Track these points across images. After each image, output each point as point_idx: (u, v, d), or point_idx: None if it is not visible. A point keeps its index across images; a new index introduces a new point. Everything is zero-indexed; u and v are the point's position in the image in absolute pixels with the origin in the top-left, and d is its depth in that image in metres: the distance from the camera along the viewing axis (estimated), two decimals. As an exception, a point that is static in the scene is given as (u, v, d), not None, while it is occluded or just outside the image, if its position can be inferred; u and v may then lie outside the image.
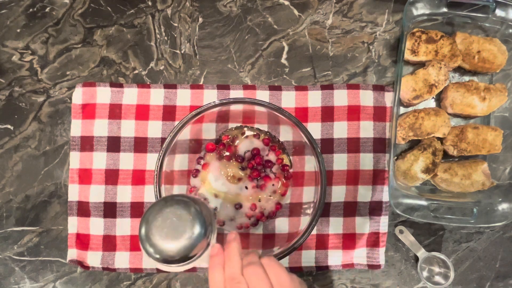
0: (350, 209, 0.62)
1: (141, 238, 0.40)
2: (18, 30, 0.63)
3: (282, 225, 0.62)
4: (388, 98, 0.62)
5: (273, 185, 0.61)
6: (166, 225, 0.39)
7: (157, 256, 0.39)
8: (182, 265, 0.40)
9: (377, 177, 0.62)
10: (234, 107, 0.58)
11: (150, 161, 0.61)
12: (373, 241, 0.61)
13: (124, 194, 0.61)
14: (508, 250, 0.64)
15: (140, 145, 0.61)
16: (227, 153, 0.60)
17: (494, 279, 0.64)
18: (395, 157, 0.62)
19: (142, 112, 0.61)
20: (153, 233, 0.39)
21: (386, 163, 0.62)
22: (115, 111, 0.61)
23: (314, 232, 0.62)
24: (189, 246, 0.40)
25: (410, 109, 0.63)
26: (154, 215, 0.40)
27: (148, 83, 0.63)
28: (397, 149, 0.64)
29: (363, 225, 0.62)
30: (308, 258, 0.62)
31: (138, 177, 0.61)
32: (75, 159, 0.61)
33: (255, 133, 0.61)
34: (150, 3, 0.63)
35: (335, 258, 0.62)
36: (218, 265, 0.41)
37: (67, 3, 0.63)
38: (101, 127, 0.61)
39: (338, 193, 0.62)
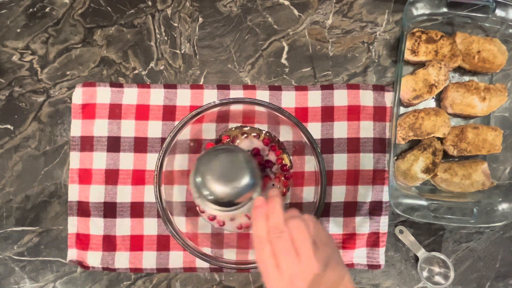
0: (350, 209, 0.62)
1: (194, 177, 0.42)
2: (18, 30, 0.63)
3: None
4: (388, 98, 0.62)
5: (273, 185, 0.61)
6: (221, 168, 0.42)
7: (207, 193, 0.42)
8: (226, 209, 0.43)
9: (377, 177, 0.62)
10: (234, 107, 0.58)
11: (150, 161, 0.61)
12: (373, 241, 0.61)
13: (124, 194, 0.61)
14: (508, 250, 0.64)
15: (140, 145, 0.61)
16: None
17: (494, 279, 0.64)
18: (395, 157, 0.63)
19: (142, 112, 0.61)
20: (207, 175, 0.42)
21: (386, 163, 0.62)
22: (115, 111, 0.61)
23: None
24: (237, 192, 0.42)
25: (410, 109, 0.63)
26: (210, 158, 0.43)
27: (148, 83, 0.63)
28: (397, 149, 0.64)
29: (363, 225, 0.62)
30: None
31: (138, 177, 0.61)
32: (75, 159, 0.61)
33: (255, 133, 0.61)
34: (150, 3, 0.63)
35: None
36: (262, 215, 0.42)
37: (67, 3, 0.63)
38: (101, 127, 0.61)
39: (338, 193, 0.62)
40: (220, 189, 0.42)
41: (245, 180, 0.43)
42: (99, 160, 0.61)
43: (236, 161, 0.43)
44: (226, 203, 0.42)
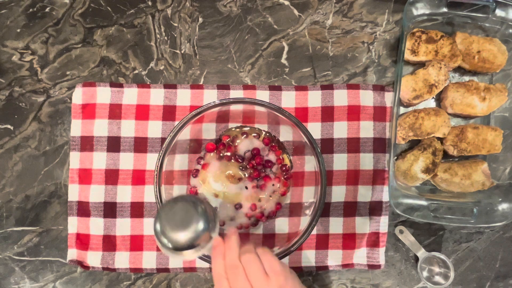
0: (350, 209, 0.62)
1: (155, 230, 0.47)
2: (18, 30, 0.63)
3: (282, 225, 0.62)
4: (388, 98, 0.63)
5: (273, 185, 0.61)
6: (176, 218, 0.47)
7: (169, 245, 0.46)
8: (188, 253, 0.47)
9: (377, 177, 0.62)
10: (234, 107, 0.58)
11: (150, 161, 0.61)
12: (373, 241, 0.62)
13: (124, 194, 0.61)
14: (508, 250, 0.64)
15: (140, 145, 0.61)
16: (227, 153, 0.60)
17: (494, 279, 0.64)
18: (395, 157, 0.63)
19: (142, 112, 0.61)
20: (165, 225, 0.46)
21: (386, 163, 0.62)
22: (115, 111, 0.61)
23: (314, 232, 0.62)
24: (195, 236, 0.46)
25: (410, 109, 0.63)
26: (166, 211, 0.48)
27: (148, 83, 0.63)
28: (397, 149, 0.64)
29: (363, 225, 0.62)
30: (308, 258, 0.62)
31: (138, 177, 0.61)
32: (75, 159, 0.61)
33: (255, 133, 0.61)
34: (150, 3, 0.63)
35: (335, 258, 0.62)
36: (220, 254, 0.46)
37: (67, 3, 0.63)
38: (101, 127, 0.61)
39: (338, 193, 0.62)
40: (178, 235, 0.46)
41: (199, 225, 0.46)
42: (99, 160, 0.61)
43: (189, 209, 0.47)
44: (188, 246, 0.46)
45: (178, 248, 0.46)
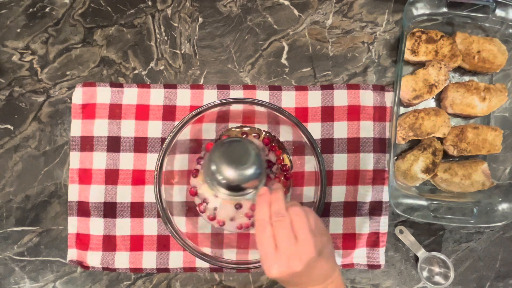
0: (350, 209, 0.62)
1: (210, 159, 0.48)
2: (18, 30, 0.63)
3: None
4: (388, 98, 0.63)
5: (273, 185, 0.61)
6: (233, 154, 0.48)
7: (220, 177, 0.48)
8: (234, 194, 0.49)
9: (377, 177, 0.62)
10: (234, 107, 0.58)
11: (150, 161, 0.62)
12: (373, 241, 0.62)
13: (124, 194, 0.61)
14: (508, 250, 0.64)
15: (140, 145, 0.62)
16: None
17: (494, 279, 0.64)
18: (395, 157, 0.63)
19: (142, 112, 0.62)
20: (222, 160, 0.48)
21: (386, 163, 0.62)
22: (115, 111, 0.61)
23: None
24: (246, 177, 0.48)
25: (410, 109, 0.63)
26: (224, 147, 0.49)
27: (148, 83, 0.63)
28: (397, 149, 0.64)
29: (363, 225, 0.62)
30: None
31: (138, 177, 0.62)
32: (75, 159, 0.61)
33: (255, 133, 0.61)
34: (150, 3, 0.64)
35: None
36: (265, 202, 0.47)
37: (67, 3, 0.63)
38: (101, 127, 0.61)
39: (338, 193, 0.62)
40: (231, 172, 0.47)
41: (254, 167, 0.48)
42: (99, 160, 0.61)
43: (247, 150, 0.49)
44: (235, 187, 0.48)
45: (229, 186, 0.48)
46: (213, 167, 0.48)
